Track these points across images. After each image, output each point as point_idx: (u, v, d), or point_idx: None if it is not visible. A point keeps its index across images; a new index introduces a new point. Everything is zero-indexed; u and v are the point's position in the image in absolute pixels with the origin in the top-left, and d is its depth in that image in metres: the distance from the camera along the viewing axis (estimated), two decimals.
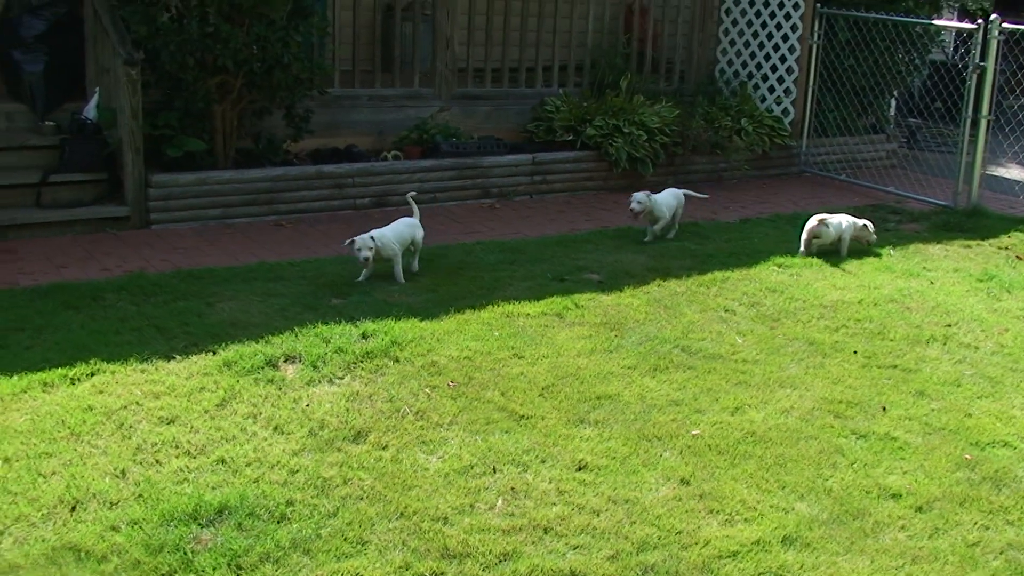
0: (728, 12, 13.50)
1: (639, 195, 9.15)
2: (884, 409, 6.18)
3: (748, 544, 4.71)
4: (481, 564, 4.43)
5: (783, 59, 13.00)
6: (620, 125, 11.48)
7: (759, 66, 13.24)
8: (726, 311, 7.65)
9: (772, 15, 13.04)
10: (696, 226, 10.16)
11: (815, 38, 12.89)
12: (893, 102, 14.70)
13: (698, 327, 7.26)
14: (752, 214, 10.93)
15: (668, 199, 9.52)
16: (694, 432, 5.71)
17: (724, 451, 5.54)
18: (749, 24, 13.28)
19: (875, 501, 5.19)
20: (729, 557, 4.61)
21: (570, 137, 11.58)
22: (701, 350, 6.86)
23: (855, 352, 7.02)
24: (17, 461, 5.01)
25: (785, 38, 12.94)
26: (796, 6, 12.79)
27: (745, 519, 4.92)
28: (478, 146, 11.12)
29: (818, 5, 12.81)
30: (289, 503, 4.78)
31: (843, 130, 13.35)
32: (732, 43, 13.49)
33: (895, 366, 6.86)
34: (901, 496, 5.24)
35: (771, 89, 13.15)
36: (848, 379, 6.58)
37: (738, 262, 8.87)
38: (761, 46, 13.17)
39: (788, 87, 13.04)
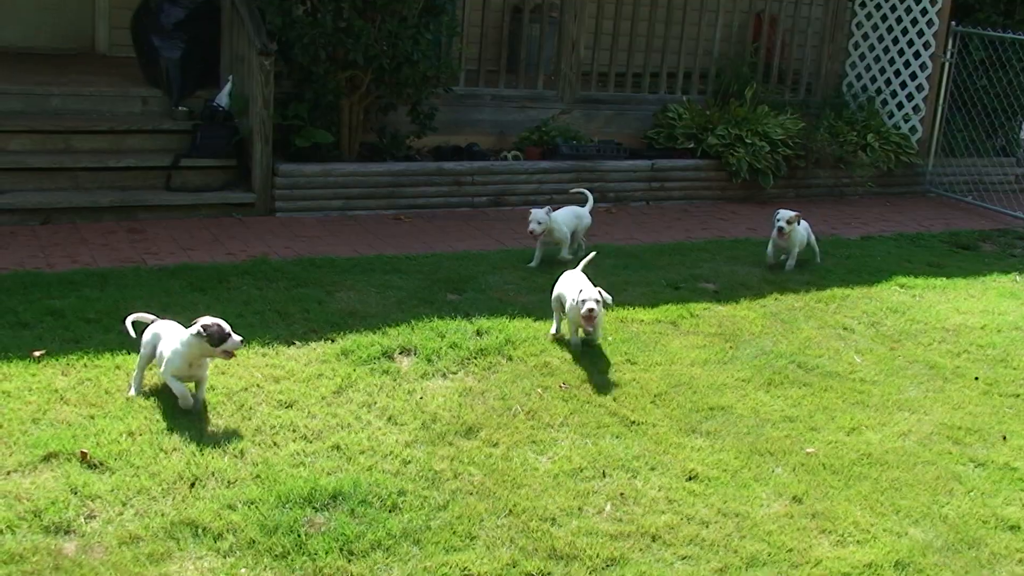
0: (859, 25, 13.24)
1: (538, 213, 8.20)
2: (1004, 438, 6.01)
3: (860, 566, 4.63)
4: (587, 567, 4.43)
5: (913, 76, 12.70)
6: (742, 135, 11.36)
7: (888, 82, 12.96)
8: (844, 329, 7.52)
9: (904, 31, 12.75)
10: (815, 241, 9.97)
11: (947, 56, 12.56)
12: None
13: (815, 343, 7.15)
14: (874, 231, 10.70)
15: (567, 217, 8.57)
16: (808, 450, 5.63)
17: (838, 471, 5.45)
18: (880, 39, 13.00)
19: (992, 531, 5.05)
20: None
21: (691, 145, 11.50)
22: (818, 367, 6.75)
23: (976, 378, 6.84)
24: (140, 435, 5.18)
25: (917, 55, 12.64)
26: (930, 23, 12.48)
27: (857, 541, 4.83)
28: (597, 149, 11.11)
29: (953, 23, 12.49)
30: (401, 493, 4.85)
31: (971, 151, 12.99)
32: (862, 57, 13.23)
33: (1018, 395, 6.66)
34: (1020, 528, 5.09)
35: (899, 106, 12.86)
36: (968, 405, 6.41)
37: (858, 279, 8.70)
38: (892, 62, 12.89)
39: (917, 104, 12.73)
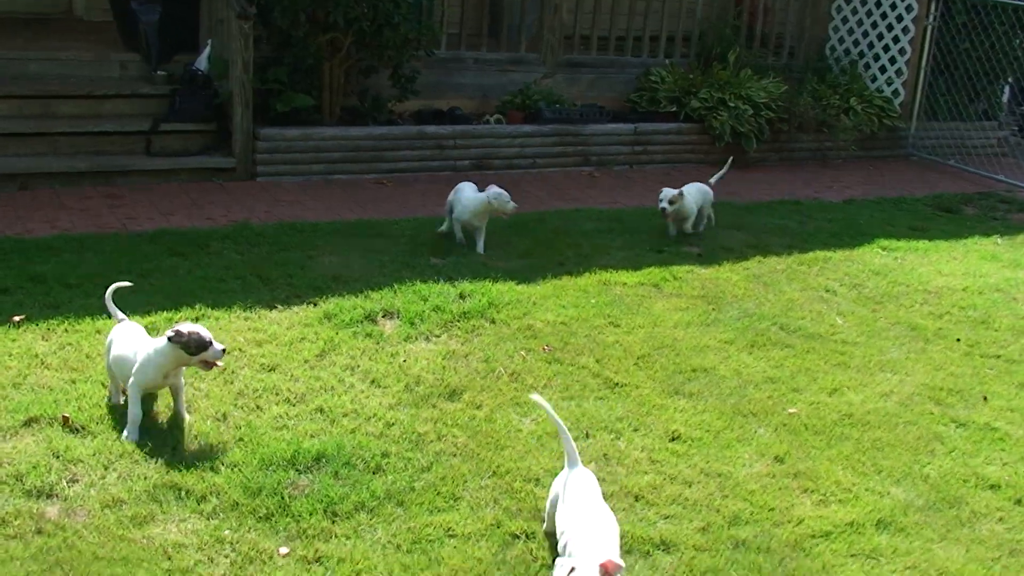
0: None
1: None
2: (985, 399, 6.04)
3: (841, 525, 4.65)
4: None
5: (896, 39, 12.67)
6: (725, 99, 11.33)
7: (871, 45, 12.93)
8: (827, 291, 7.54)
9: None
10: (798, 204, 10.00)
11: (931, 19, 12.54)
12: (1007, 89, 14.23)
13: (797, 306, 7.17)
14: (857, 195, 10.71)
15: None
16: (790, 410, 5.65)
17: (820, 431, 5.47)
18: (863, 2, 12.95)
19: (973, 491, 5.08)
20: (822, 537, 4.56)
21: (673, 108, 11.46)
22: (800, 329, 6.77)
23: (958, 340, 6.87)
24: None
25: (899, 18, 12.61)
26: None
27: (839, 500, 4.86)
28: (580, 113, 11.06)
29: None
30: (384, 455, 4.85)
31: (954, 115, 12.99)
32: (844, 20, 13.18)
33: (998, 356, 6.69)
34: (1000, 487, 5.13)
35: (882, 69, 12.84)
36: (950, 366, 6.44)
37: (840, 243, 8.72)
38: (874, 25, 12.85)
39: (900, 68, 12.72)
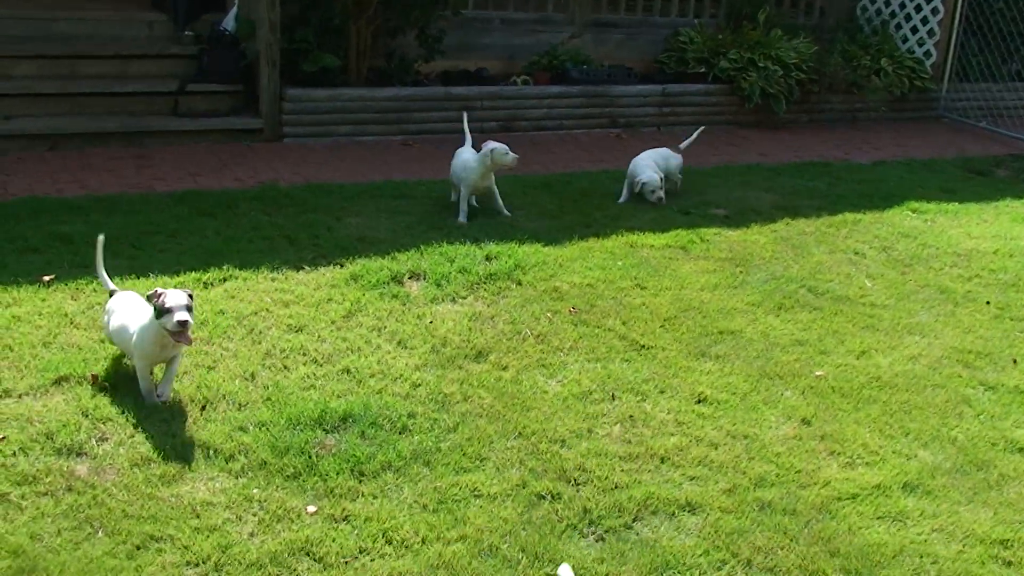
0: None
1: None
2: (1015, 362, 5.99)
3: (868, 488, 4.64)
4: (598, 488, 4.45)
5: None
6: (755, 59, 11.21)
7: (902, 5, 12.73)
8: (856, 254, 7.47)
9: None
10: (827, 166, 9.91)
11: None
12: None
13: (826, 268, 7.12)
14: (887, 156, 10.60)
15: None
16: (817, 373, 5.62)
17: (848, 394, 5.44)
18: None
19: (1001, 454, 5.05)
20: (848, 499, 4.55)
21: (702, 69, 11.35)
22: (828, 291, 6.72)
23: (988, 303, 6.80)
24: None
25: None
26: None
27: (866, 463, 4.84)
28: (608, 74, 10.98)
29: None
30: (411, 416, 4.87)
31: (986, 76, 12.80)
32: None
33: None
34: None
35: (914, 30, 12.65)
36: (979, 329, 6.39)
37: (870, 205, 8.64)
38: None
39: (932, 28, 12.53)
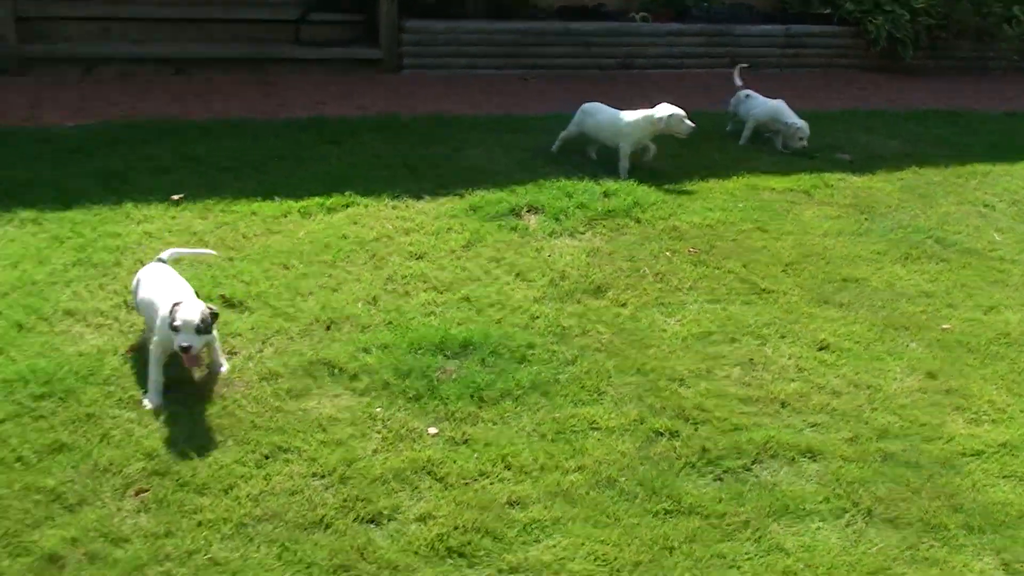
0: None
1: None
2: None
3: (994, 445, 4.52)
4: (716, 429, 4.42)
5: None
6: (881, 2, 10.86)
7: None
8: (985, 206, 7.24)
9: None
10: (955, 115, 9.59)
11: None
12: None
13: (954, 220, 6.91)
14: (1018, 108, 10.21)
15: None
16: (944, 326, 5.48)
17: (974, 349, 5.30)
18: None
19: None
20: (973, 456, 4.44)
21: (827, 11, 11.04)
22: (956, 243, 6.53)
23: None
24: (277, 279, 5.29)
25: None
26: None
27: (992, 420, 4.72)
28: (729, 13, 10.76)
29: None
30: (530, 346, 4.89)
31: None
32: None
33: None
34: None
35: None
36: None
37: (1000, 156, 8.34)
38: None
39: None
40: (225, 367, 4.53)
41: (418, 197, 6.37)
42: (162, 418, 4.18)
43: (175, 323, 4.16)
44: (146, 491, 3.83)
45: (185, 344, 4.15)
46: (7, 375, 4.38)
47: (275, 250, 5.58)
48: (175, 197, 6.04)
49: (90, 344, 4.65)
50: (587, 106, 7.32)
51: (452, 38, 9.49)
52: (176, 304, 4.21)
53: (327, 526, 3.74)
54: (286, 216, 5.99)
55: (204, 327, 4.18)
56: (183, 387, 4.37)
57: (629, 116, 7.06)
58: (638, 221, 6.34)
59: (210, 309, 4.24)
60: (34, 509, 3.72)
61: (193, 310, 4.17)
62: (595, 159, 7.31)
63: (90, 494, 3.80)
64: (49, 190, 6.07)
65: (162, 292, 4.38)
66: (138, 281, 4.60)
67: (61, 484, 3.83)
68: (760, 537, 3.85)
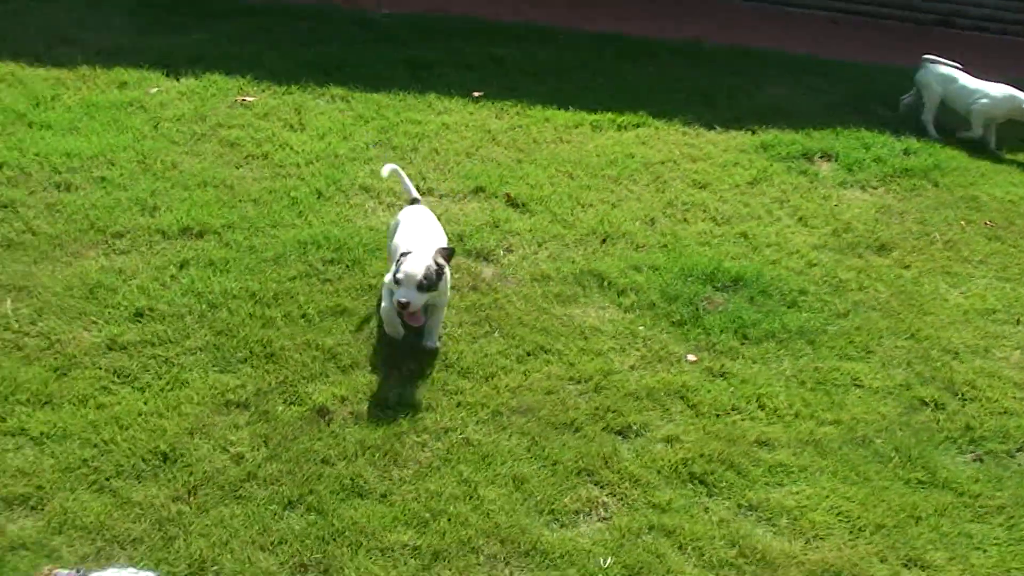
0: None
1: None
2: None
3: None
4: (985, 408, 4.23)
5: None
6: None
7: None
8: None
9: None
10: None
11: None
12: None
13: None
14: None
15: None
16: None
17: None
18: None
19: None
20: None
21: None
22: None
23: None
24: (560, 187, 5.40)
25: None
26: None
27: None
28: None
29: None
30: (802, 292, 4.80)
31: None
32: None
33: None
34: None
35: None
36: None
37: None
38: None
39: None
40: (436, 345, 4.11)
41: (709, 127, 6.31)
42: None
43: (398, 275, 3.93)
44: (412, 366, 4.05)
45: (403, 300, 3.89)
46: (303, 237, 4.70)
47: (562, 158, 5.68)
48: (476, 94, 6.24)
49: (380, 220, 4.91)
50: (943, 70, 6.82)
51: None
52: (403, 255, 3.99)
53: (576, 429, 3.85)
54: (577, 127, 6.08)
55: (427, 284, 3.90)
56: (460, 275, 4.55)
57: (995, 90, 6.62)
58: (936, 185, 6.05)
59: (437, 266, 3.94)
60: (311, 364, 4.01)
61: (418, 264, 3.91)
62: (901, 112, 6.97)
63: (363, 358, 4.06)
64: (360, 71, 6.39)
65: (406, 239, 4.13)
66: (396, 223, 4.35)
67: (338, 345, 4.11)
68: (1013, 525, 3.70)
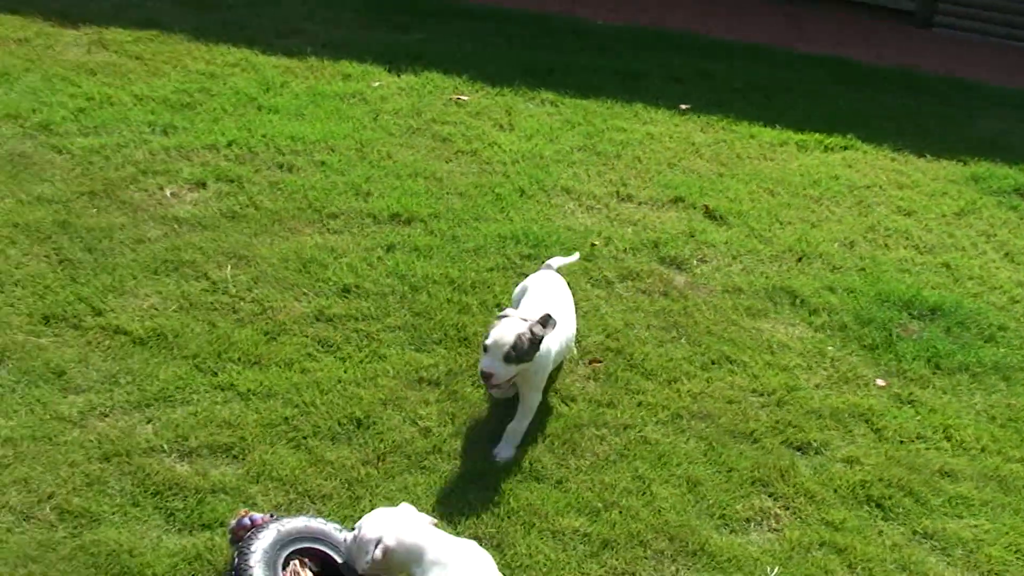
0: None
1: None
2: None
3: None
4: None
5: None
6: None
7: None
8: None
9: None
10: None
11: None
12: None
13: None
14: None
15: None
16: None
17: None
18: None
19: None
20: None
21: None
22: None
23: None
24: (761, 203, 5.40)
25: None
26: None
27: None
28: None
29: None
30: (1001, 328, 4.67)
31: None
32: None
33: None
34: None
35: None
36: None
37: None
38: None
39: None
40: (508, 456, 3.62)
41: (919, 154, 6.18)
42: (625, 303, 4.48)
43: (486, 339, 3.49)
44: (600, 362, 4.16)
45: (486, 370, 3.46)
46: (503, 232, 4.88)
47: (764, 175, 5.69)
48: (683, 106, 6.31)
49: (578, 221, 5.04)
50: None
51: (990, 2, 8.91)
52: (500, 316, 3.58)
53: (755, 440, 3.88)
54: (782, 145, 6.07)
55: (516, 355, 3.44)
56: (652, 280, 4.64)
57: None
58: None
59: (532, 334, 3.47)
60: None
61: (509, 331, 3.44)
62: None
63: None
64: (571, 77, 6.55)
65: (528, 302, 3.82)
66: (524, 288, 3.99)
67: None
68: None
